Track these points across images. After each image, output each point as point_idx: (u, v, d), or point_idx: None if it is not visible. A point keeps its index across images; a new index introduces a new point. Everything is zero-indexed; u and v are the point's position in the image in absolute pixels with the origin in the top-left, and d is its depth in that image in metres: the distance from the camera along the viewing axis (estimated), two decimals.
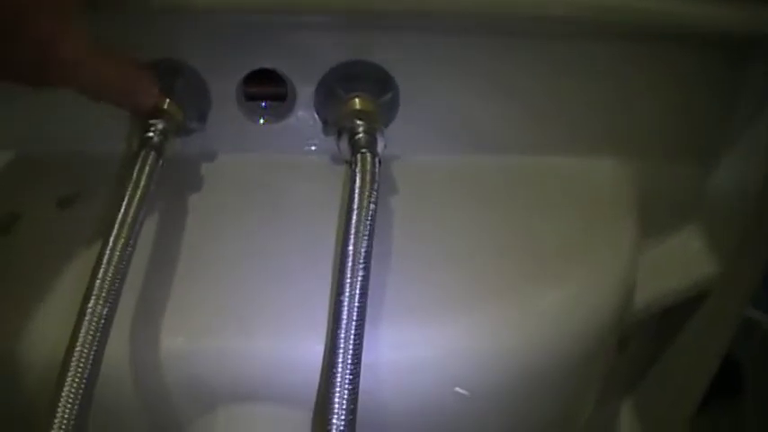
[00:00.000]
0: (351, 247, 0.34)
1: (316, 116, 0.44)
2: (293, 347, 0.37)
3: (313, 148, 0.45)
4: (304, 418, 0.36)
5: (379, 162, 0.38)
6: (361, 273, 0.33)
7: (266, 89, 0.44)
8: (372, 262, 0.35)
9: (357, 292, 0.33)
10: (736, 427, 0.83)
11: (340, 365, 0.31)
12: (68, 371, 0.30)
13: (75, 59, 0.34)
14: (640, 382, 0.61)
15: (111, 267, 0.32)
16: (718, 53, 0.45)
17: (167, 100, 0.41)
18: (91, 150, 0.45)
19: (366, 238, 0.34)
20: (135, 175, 0.36)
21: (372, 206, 0.35)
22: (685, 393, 0.60)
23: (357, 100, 0.41)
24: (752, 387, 0.82)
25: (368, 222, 0.35)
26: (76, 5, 0.33)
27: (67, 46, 0.33)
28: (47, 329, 0.36)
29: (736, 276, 0.53)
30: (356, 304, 0.33)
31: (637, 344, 0.58)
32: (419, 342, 0.37)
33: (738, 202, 0.50)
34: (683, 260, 0.53)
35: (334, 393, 0.31)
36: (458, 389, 0.37)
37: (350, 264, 0.34)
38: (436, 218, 0.43)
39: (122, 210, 0.34)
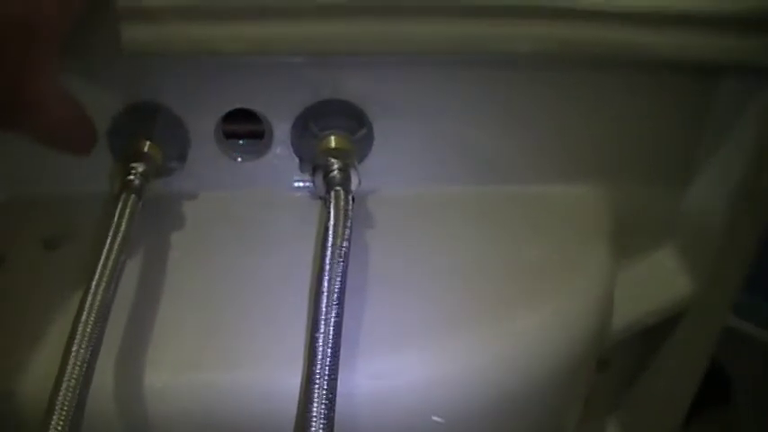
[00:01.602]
0: (325, 285, 0.35)
1: (292, 153, 0.45)
2: (273, 380, 0.37)
3: (292, 184, 0.46)
4: None
5: (353, 199, 0.39)
6: (335, 310, 0.34)
7: (244, 127, 0.45)
8: (349, 293, 0.36)
9: (331, 329, 0.34)
10: None
11: (315, 401, 0.32)
12: (53, 414, 0.31)
13: (39, 103, 0.34)
14: (624, 401, 0.62)
15: (93, 312, 0.33)
16: (689, 78, 0.46)
17: (147, 142, 0.42)
18: (77, 191, 0.45)
19: (339, 275, 0.35)
20: (116, 218, 0.37)
21: (345, 243, 0.36)
22: (669, 409, 0.60)
23: (332, 138, 0.43)
24: (741, 396, 0.83)
25: (341, 260, 0.36)
26: (53, 45, 0.33)
27: (36, 88, 0.33)
28: (34, 370, 0.37)
29: (713, 293, 0.54)
30: (330, 341, 0.34)
31: (619, 363, 0.59)
32: (395, 371, 0.38)
33: (711, 221, 0.51)
34: (660, 280, 0.54)
35: (310, 427, 0.32)
36: (435, 417, 0.38)
37: (324, 301, 0.35)
38: (411, 248, 0.44)
39: (104, 255, 0.35)
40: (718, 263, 0.53)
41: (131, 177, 0.39)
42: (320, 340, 0.34)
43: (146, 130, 0.42)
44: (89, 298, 0.34)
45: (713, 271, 0.53)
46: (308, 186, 0.46)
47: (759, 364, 0.83)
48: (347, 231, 0.37)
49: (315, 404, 0.32)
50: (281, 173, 0.46)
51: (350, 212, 0.38)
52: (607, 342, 0.49)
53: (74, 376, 0.32)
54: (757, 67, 0.43)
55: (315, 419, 0.32)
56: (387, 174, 0.46)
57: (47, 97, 0.34)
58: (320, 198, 0.40)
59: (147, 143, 0.42)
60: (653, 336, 0.57)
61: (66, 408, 0.31)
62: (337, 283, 0.35)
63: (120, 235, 0.36)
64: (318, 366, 0.33)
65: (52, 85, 0.34)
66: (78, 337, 0.33)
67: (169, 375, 0.37)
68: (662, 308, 0.53)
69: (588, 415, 0.52)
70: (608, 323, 0.47)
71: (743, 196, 0.49)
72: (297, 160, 0.45)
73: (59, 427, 0.30)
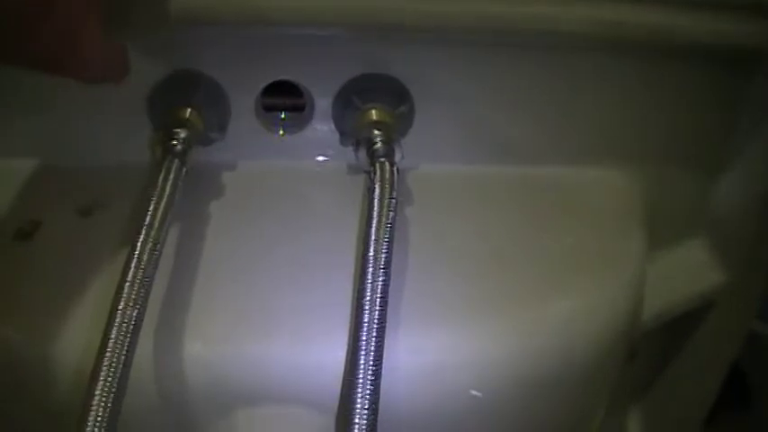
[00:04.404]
0: (371, 253, 0.35)
1: (333, 127, 0.45)
2: (313, 351, 0.37)
3: (329, 157, 0.46)
4: (323, 420, 0.37)
5: (398, 171, 0.39)
6: (381, 278, 0.34)
7: (285, 100, 0.45)
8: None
9: (378, 296, 0.34)
10: None
11: (362, 367, 0.32)
12: (100, 372, 0.31)
13: (91, 51, 0.34)
14: (648, 392, 0.62)
15: (140, 271, 0.33)
16: (723, 66, 0.46)
17: (189, 110, 0.42)
18: (112, 160, 0.45)
19: (386, 244, 0.35)
20: (160, 181, 0.37)
21: (392, 213, 0.36)
22: (693, 403, 0.60)
23: (374, 111, 0.42)
24: (759, 400, 0.82)
25: (387, 229, 0.36)
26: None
27: (89, 36, 0.33)
28: (74, 333, 0.37)
29: (743, 287, 0.54)
30: (377, 308, 0.33)
31: (644, 354, 0.59)
32: (436, 347, 0.38)
33: (743, 214, 0.51)
34: (691, 272, 0.54)
35: (356, 395, 0.32)
36: (473, 392, 0.38)
37: (371, 269, 0.34)
38: (451, 227, 0.44)
39: (149, 214, 0.35)
40: (749, 256, 0.52)
41: (174, 143, 0.39)
42: (366, 307, 0.33)
43: (187, 99, 0.42)
44: (135, 256, 0.34)
45: (743, 264, 0.53)
46: (347, 159, 0.46)
47: None
48: (393, 202, 0.37)
49: (361, 372, 0.32)
50: (322, 146, 0.46)
51: (395, 183, 0.38)
52: (637, 331, 0.49)
53: (121, 334, 0.32)
54: None
55: (360, 387, 0.32)
56: (426, 151, 0.45)
57: (96, 45, 0.34)
58: (364, 171, 0.40)
59: (189, 110, 0.41)
60: (679, 328, 0.57)
61: (114, 366, 0.31)
62: (384, 251, 0.35)
63: (165, 197, 0.36)
64: (365, 333, 0.33)
65: (100, 33, 0.34)
66: (125, 294, 0.32)
67: (208, 345, 0.37)
68: (692, 299, 0.53)
69: (612, 406, 0.52)
70: (639, 312, 0.47)
71: None
72: (337, 134, 0.45)
73: (107, 385, 0.30)
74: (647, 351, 0.59)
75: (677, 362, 0.59)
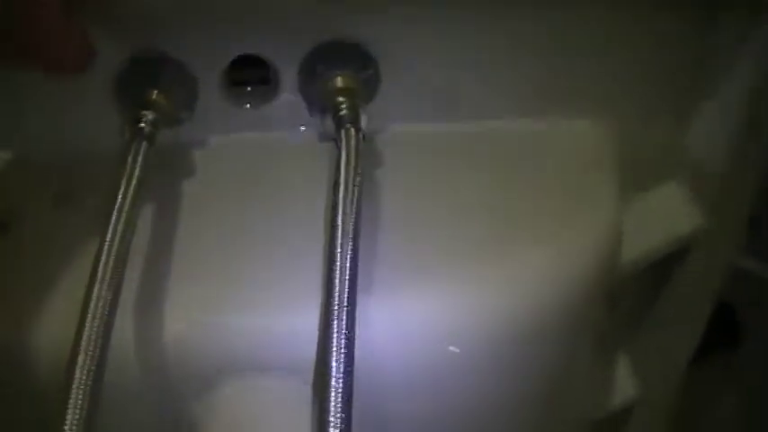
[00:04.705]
0: (339, 219, 0.35)
1: (300, 97, 0.45)
2: (291, 320, 0.38)
3: (301, 128, 0.47)
4: (306, 386, 0.37)
5: (364, 136, 0.39)
6: (350, 244, 0.35)
7: (250, 73, 0.45)
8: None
9: (348, 262, 0.34)
10: (736, 379, 0.84)
11: (335, 331, 0.33)
12: (78, 356, 0.31)
13: (63, 36, 0.34)
14: (634, 337, 0.62)
15: (113, 253, 0.34)
16: (690, 9, 0.46)
17: (155, 91, 0.42)
18: (86, 148, 0.45)
19: (353, 209, 0.36)
20: (129, 163, 0.37)
21: (358, 178, 0.37)
22: (679, 345, 0.61)
23: (339, 78, 0.43)
24: (749, 337, 0.83)
25: (354, 194, 0.36)
26: None
27: (59, 20, 0.33)
28: (52, 320, 0.37)
29: (719, 227, 0.54)
30: (347, 273, 0.34)
31: (627, 299, 0.59)
32: (412, 306, 0.39)
33: (718, 155, 0.52)
34: (667, 215, 0.54)
35: (331, 358, 0.32)
36: (451, 347, 0.39)
37: (339, 235, 0.35)
38: (420, 186, 0.44)
39: (119, 196, 0.36)
40: (727, 196, 0.53)
41: (142, 125, 0.40)
42: (337, 272, 0.34)
43: (153, 81, 0.42)
44: (107, 239, 0.34)
45: (718, 205, 0.53)
46: (317, 129, 0.46)
47: None
48: (359, 166, 0.37)
49: (335, 335, 0.33)
50: (290, 117, 0.46)
51: (361, 148, 0.38)
52: (616, 276, 0.50)
53: (96, 317, 0.32)
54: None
55: (335, 350, 0.32)
56: (393, 114, 0.46)
57: (59, 35, 0.34)
58: (331, 139, 0.41)
59: (155, 92, 0.42)
60: (660, 272, 0.57)
61: (91, 349, 0.31)
62: (351, 216, 0.36)
63: (135, 178, 0.37)
64: (336, 298, 0.33)
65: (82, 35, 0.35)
66: (99, 277, 0.33)
67: (187, 319, 0.38)
68: (670, 242, 0.54)
69: (598, 353, 0.53)
70: (616, 257, 0.47)
71: (745, 129, 0.49)
72: (305, 104, 0.45)
73: (86, 368, 0.31)
74: (631, 296, 0.60)
75: (661, 304, 0.60)
